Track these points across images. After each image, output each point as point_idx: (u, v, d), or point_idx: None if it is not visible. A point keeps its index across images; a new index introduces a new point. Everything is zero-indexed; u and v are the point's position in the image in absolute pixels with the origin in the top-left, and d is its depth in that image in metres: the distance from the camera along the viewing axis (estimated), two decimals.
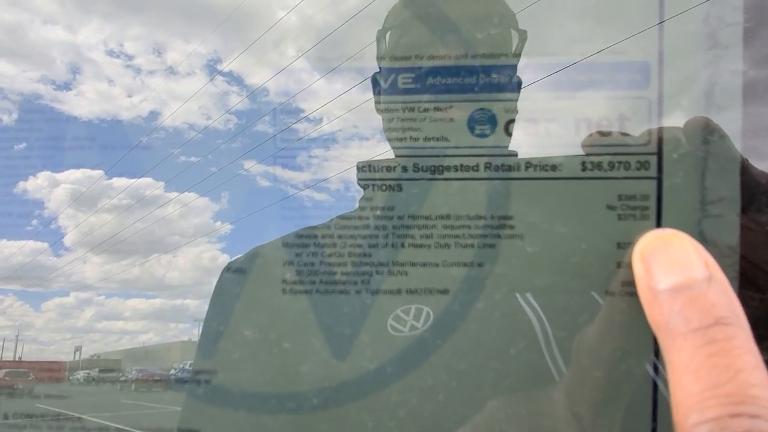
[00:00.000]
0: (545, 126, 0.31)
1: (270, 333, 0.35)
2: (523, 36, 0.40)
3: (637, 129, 0.30)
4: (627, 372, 0.32)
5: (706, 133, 0.30)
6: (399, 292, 0.32)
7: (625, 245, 0.31)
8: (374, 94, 0.43)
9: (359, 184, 0.33)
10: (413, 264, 0.31)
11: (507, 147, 0.35)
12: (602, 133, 0.30)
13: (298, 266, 0.33)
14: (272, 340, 0.35)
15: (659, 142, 0.30)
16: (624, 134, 0.31)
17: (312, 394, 0.33)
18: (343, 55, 0.39)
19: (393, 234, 0.32)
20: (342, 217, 0.33)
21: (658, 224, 0.30)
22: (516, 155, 0.35)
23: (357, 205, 0.34)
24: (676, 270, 0.20)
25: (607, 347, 0.31)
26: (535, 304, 0.34)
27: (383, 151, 0.41)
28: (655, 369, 0.31)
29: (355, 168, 0.33)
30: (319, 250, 0.33)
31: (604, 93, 0.31)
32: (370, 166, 0.33)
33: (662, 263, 0.21)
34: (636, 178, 0.30)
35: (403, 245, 0.31)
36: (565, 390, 0.30)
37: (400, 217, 0.32)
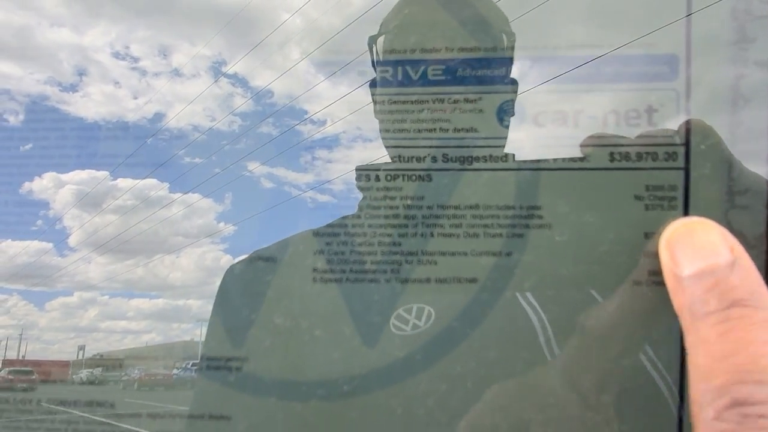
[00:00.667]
0: (574, 117, 0.32)
1: (301, 321, 0.35)
2: (511, 38, 0.41)
3: (666, 120, 0.31)
4: (650, 360, 0.33)
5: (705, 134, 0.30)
6: (428, 281, 0.32)
7: (652, 235, 0.31)
8: (372, 98, 0.44)
9: (359, 186, 0.34)
10: (442, 253, 0.32)
11: (504, 140, 0.35)
12: (600, 136, 0.31)
13: (328, 255, 0.33)
14: (303, 328, 0.35)
15: (687, 133, 0.31)
16: (619, 136, 0.31)
17: (342, 382, 0.33)
18: (347, 58, 0.40)
19: (422, 223, 0.32)
20: (372, 207, 0.33)
21: (686, 214, 0.30)
22: (514, 156, 0.36)
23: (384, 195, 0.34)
24: (699, 256, 0.20)
25: (633, 334, 0.32)
26: (535, 303, 0.35)
27: (385, 155, 0.41)
28: (682, 358, 0.31)
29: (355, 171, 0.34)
30: (349, 240, 0.34)
31: (632, 85, 0.32)
32: (400, 157, 0.33)
33: (686, 250, 0.21)
34: (663, 169, 0.31)
35: (432, 235, 0.32)
36: (565, 371, 0.31)
37: (429, 207, 0.32)
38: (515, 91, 0.40)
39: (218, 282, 0.42)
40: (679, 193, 0.30)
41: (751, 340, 0.16)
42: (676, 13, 0.30)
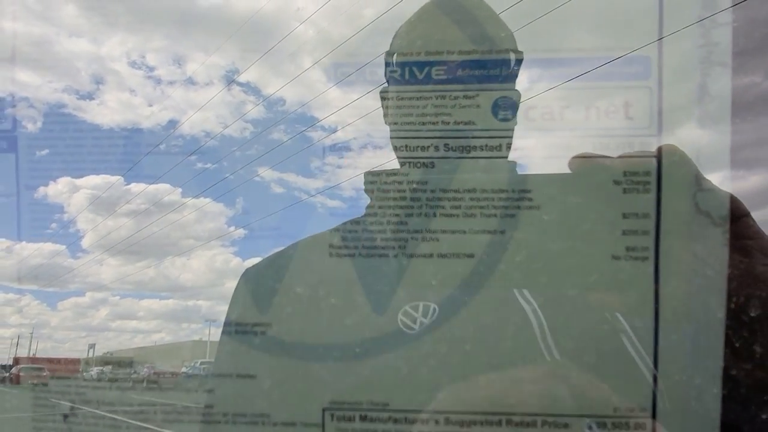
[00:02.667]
0: (559, 112, 0.36)
1: (319, 290, 0.40)
2: (519, 56, 0.44)
3: (640, 114, 0.35)
4: (623, 330, 0.37)
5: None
6: (431, 255, 0.37)
7: (629, 215, 0.35)
8: (383, 104, 0.48)
9: (367, 189, 0.38)
10: (444, 231, 0.36)
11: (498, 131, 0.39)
12: (587, 156, 0.35)
13: (343, 233, 0.38)
14: (321, 296, 0.39)
15: (659, 126, 0.35)
16: (607, 156, 0.35)
17: (354, 344, 0.37)
18: (359, 67, 0.44)
19: (426, 205, 0.36)
20: (381, 191, 0.38)
21: (658, 196, 0.35)
22: (515, 164, 0.40)
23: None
24: None
25: (611, 304, 0.36)
26: (531, 299, 0.38)
27: (393, 159, 0.45)
28: (656, 324, 0.35)
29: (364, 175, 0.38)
30: (361, 219, 0.38)
31: (610, 83, 0.36)
32: (406, 146, 0.37)
33: None
34: (639, 157, 0.35)
35: (435, 215, 0.36)
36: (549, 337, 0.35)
37: (432, 191, 0.36)
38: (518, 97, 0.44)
39: (228, 283, 0.46)
40: (653, 178, 0.35)
41: None
42: (649, 20, 0.34)
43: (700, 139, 0.36)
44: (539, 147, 0.41)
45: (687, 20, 0.35)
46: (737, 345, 0.35)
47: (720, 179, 0.36)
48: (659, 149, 0.35)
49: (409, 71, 0.40)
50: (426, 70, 0.40)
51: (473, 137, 0.37)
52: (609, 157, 0.35)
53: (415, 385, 0.36)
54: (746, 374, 0.35)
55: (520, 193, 0.36)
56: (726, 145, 0.35)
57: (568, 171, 0.36)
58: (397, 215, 0.37)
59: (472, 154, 0.37)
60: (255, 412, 0.38)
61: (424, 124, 0.38)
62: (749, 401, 0.35)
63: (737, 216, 0.36)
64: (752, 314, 0.35)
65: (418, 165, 0.37)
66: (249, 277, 0.46)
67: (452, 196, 0.36)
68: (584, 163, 0.35)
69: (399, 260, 0.37)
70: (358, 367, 0.37)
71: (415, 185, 0.37)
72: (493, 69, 0.39)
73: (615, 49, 0.37)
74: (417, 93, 0.39)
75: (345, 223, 0.39)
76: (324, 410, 0.36)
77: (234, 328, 0.41)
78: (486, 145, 0.37)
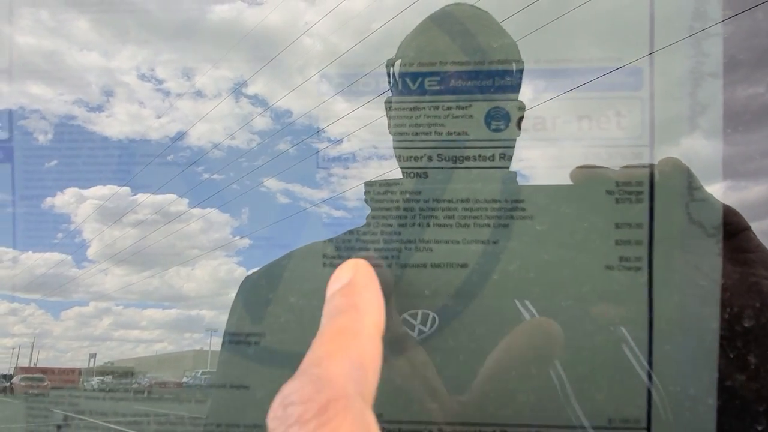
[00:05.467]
0: (551, 121, 0.36)
1: (313, 300, 0.40)
2: (519, 66, 0.44)
3: (632, 125, 0.35)
4: (622, 337, 0.37)
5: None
6: (425, 266, 0.37)
7: (622, 225, 0.35)
8: (387, 114, 0.48)
9: (367, 198, 0.38)
10: (437, 241, 0.36)
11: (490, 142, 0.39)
12: (588, 167, 0.35)
13: (336, 243, 0.38)
14: (315, 306, 0.39)
15: (651, 134, 0.35)
16: (607, 168, 0.35)
17: None
18: (365, 80, 0.44)
19: (420, 215, 0.37)
20: (375, 201, 0.38)
21: (651, 207, 0.35)
22: (516, 174, 0.40)
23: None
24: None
25: (606, 313, 0.36)
26: (531, 307, 0.38)
27: (395, 169, 0.45)
28: (650, 334, 0.35)
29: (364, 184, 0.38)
30: (355, 229, 0.38)
31: (601, 94, 0.36)
32: (400, 156, 0.38)
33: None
34: (631, 167, 0.35)
35: (428, 225, 0.36)
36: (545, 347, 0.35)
37: (426, 201, 0.37)
38: (523, 109, 0.44)
39: (231, 293, 0.46)
40: (646, 188, 0.35)
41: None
42: (640, 31, 0.35)
43: (702, 150, 0.37)
44: (534, 158, 0.41)
45: (680, 32, 0.35)
46: (732, 356, 0.35)
47: (721, 190, 0.36)
48: (654, 164, 0.35)
49: (403, 82, 0.41)
50: (420, 80, 0.40)
51: (465, 147, 0.37)
52: (602, 167, 0.35)
53: (410, 395, 0.36)
54: (741, 385, 0.35)
55: (513, 203, 0.36)
56: (727, 155, 0.36)
57: (560, 181, 0.36)
58: (390, 225, 0.37)
59: (465, 164, 0.37)
60: (248, 423, 0.38)
61: (417, 134, 0.38)
62: (745, 412, 0.35)
63: (738, 230, 0.36)
64: (746, 324, 0.35)
65: (412, 175, 0.37)
66: (246, 285, 0.46)
67: (445, 206, 0.36)
68: (576, 173, 0.35)
69: (392, 271, 0.37)
70: None
71: (408, 195, 0.37)
72: (485, 79, 0.39)
73: (609, 60, 0.37)
74: (413, 104, 0.39)
75: (342, 234, 0.39)
76: None
77: (228, 338, 0.41)
78: (479, 156, 0.37)
